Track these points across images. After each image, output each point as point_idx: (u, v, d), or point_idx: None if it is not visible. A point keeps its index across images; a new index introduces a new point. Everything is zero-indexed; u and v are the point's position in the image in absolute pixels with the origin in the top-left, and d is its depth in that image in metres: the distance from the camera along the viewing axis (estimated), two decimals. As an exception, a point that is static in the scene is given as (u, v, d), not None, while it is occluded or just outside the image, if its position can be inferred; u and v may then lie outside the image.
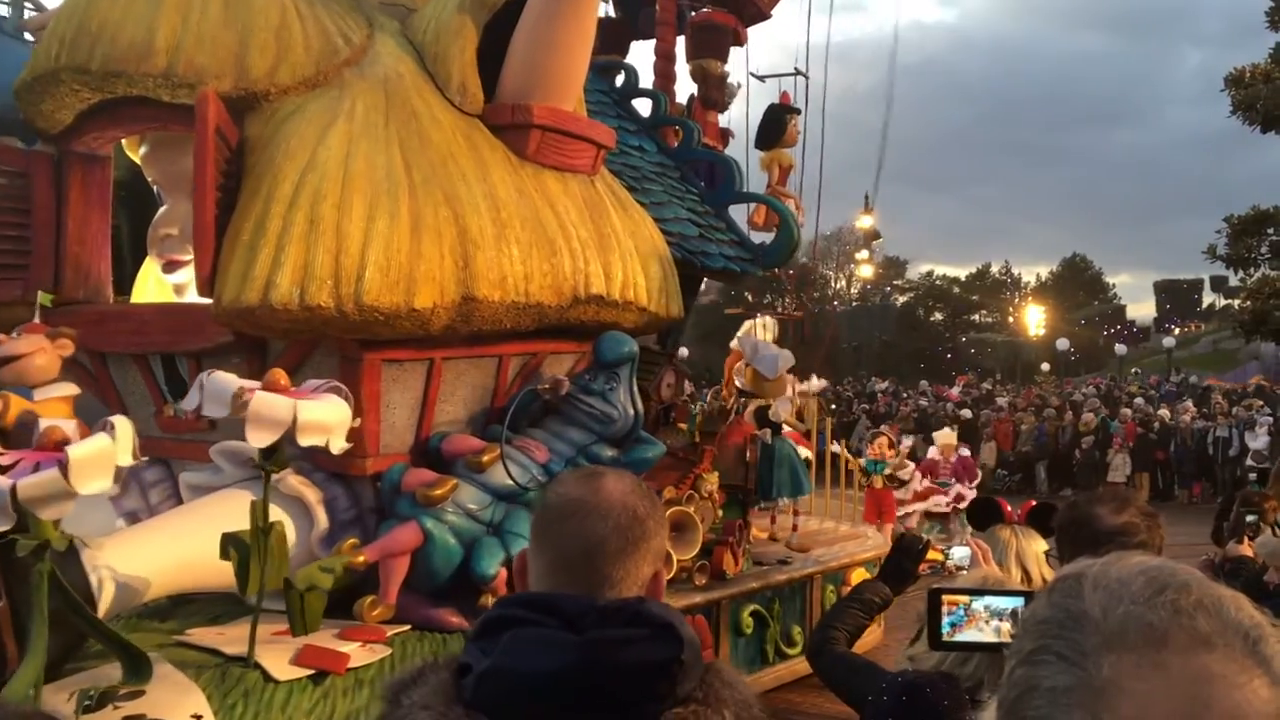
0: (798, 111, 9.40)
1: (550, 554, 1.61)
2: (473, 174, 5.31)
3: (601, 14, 10.06)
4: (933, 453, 13.30)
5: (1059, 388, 34.14)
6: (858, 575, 8.13)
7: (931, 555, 3.48)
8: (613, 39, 9.59)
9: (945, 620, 2.40)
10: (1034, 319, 50.32)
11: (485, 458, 5.28)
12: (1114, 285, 66.22)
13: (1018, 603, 2.38)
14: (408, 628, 5.01)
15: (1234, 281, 28.66)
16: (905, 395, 32.56)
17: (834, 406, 30.31)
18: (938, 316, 62.14)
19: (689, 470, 6.78)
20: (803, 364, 8.83)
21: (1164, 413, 24.38)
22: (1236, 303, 25.95)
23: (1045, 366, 45.25)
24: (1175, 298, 59.39)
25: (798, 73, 9.01)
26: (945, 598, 2.41)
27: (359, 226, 4.79)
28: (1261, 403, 23.73)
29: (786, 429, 7.74)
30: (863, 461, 11.62)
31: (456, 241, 5.07)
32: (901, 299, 63.73)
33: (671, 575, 6.20)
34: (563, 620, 1.45)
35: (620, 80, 9.17)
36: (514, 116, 5.71)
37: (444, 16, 5.71)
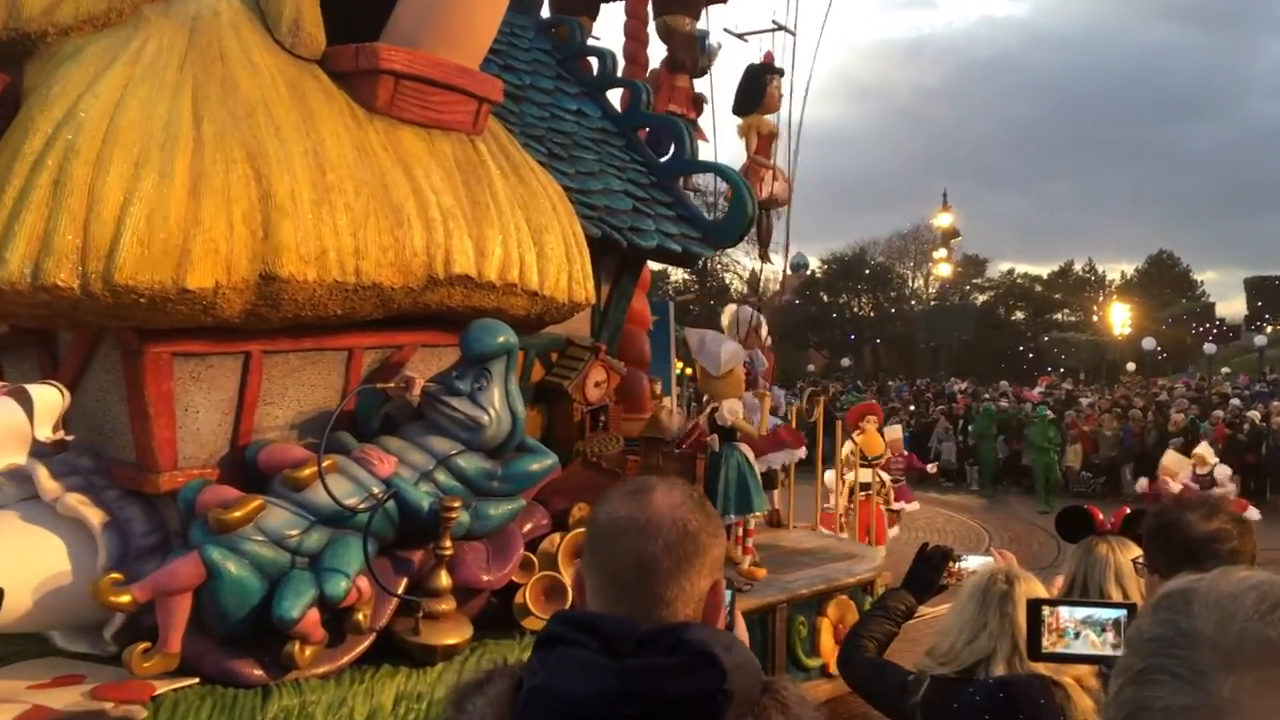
0: (780, 72, 8.25)
1: (603, 573, 1.57)
2: (290, 127, 4.36)
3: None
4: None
5: (1145, 388, 32.26)
6: (837, 605, 7.02)
7: None
8: (582, -1, 8.59)
9: (1045, 630, 2.38)
10: (1119, 318, 47.92)
11: (304, 472, 4.33)
12: (1202, 282, 62.99)
13: (1119, 614, 2.36)
14: (193, 681, 4.09)
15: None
16: (985, 396, 31.00)
17: (913, 407, 29.09)
18: (1019, 316, 59.85)
19: (609, 484, 5.73)
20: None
21: (1254, 414, 22.78)
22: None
23: (1131, 366, 43.07)
24: (1266, 294, 55.75)
25: (779, 27, 7.89)
26: (1044, 608, 2.39)
27: (118, 188, 3.86)
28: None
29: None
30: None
31: (255, 207, 4.13)
32: (981, 298, 61.61)
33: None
34: (603, 642, 1.42)
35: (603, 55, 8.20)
36: (358, 61, 4.76)
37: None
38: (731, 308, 7.53)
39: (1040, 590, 2.78)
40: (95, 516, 4.28)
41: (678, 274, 46.03)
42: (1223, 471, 12.82)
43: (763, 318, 7.80)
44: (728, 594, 1.65)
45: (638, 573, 1.52)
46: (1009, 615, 2.70)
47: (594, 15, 8.77)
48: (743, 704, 1.41)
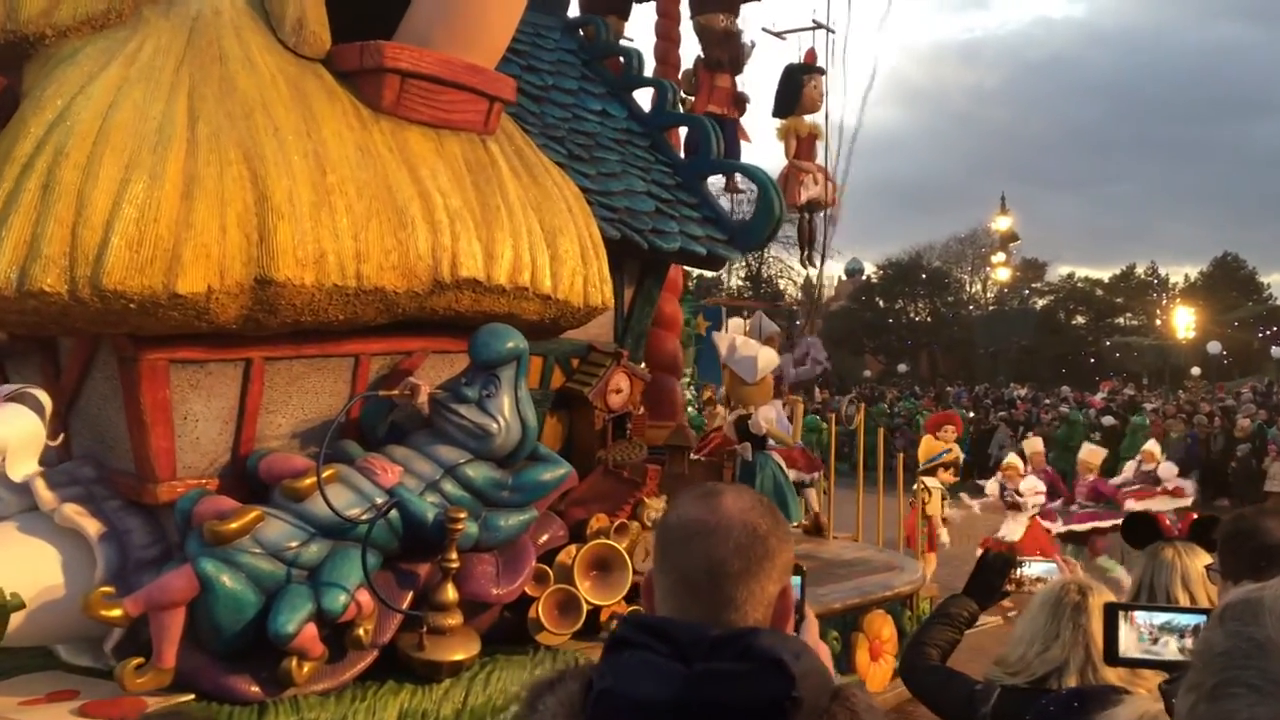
0: (821, 71, 8.01)
1: (673, 576, 1.55)
2: (290, 127, 4.25)
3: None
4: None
5: (1210, 393, 31.36)
6: (874, 620, 6.77)
7: None
8: (613, -1, 8.44)
9: (1122, 635, 2.32)
10: (1183, 321, 46.67)
11: (303, 482, 4.21)
12: (1269, 284, 60.90)
13: (1199, 620, 2.26)
14: (188, 698, 3.98)
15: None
16: (1046, 402, 30.31)
17: (972, 414, 28.47)
18: (1080, 320, 58.57)
19: (630, 494, 5.56)
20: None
21: (1325, 419, 22.04)
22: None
23: (1196, 371, 41.95)
24: (1335, 297, 54.09)
25: (818, 26, 7.67)
26: (1120, 613, 2.31)
27: (107, 191, 3.77)
28: None
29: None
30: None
31: (251, 209, 4.02)
32: (1041, 302, 60.41)
33: (579, 626, 5.01)
34: (674, 648, 1.42)
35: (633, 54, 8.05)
36: (363, 59, 4.64)
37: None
38: (736, 320, 7.30)
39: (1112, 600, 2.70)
40: (92, 528, 4.20)
41: (732, 280, 45.78)
42: (1167, 469, 12.29)
43: (776, 326, 7.55)
44: (795, 580, 1.62)
45: (708, 576, 1.51)
46: (1082, 626, 2.67)
47: (625, 15, 8.61)
48: (811, 711, 1.40)
